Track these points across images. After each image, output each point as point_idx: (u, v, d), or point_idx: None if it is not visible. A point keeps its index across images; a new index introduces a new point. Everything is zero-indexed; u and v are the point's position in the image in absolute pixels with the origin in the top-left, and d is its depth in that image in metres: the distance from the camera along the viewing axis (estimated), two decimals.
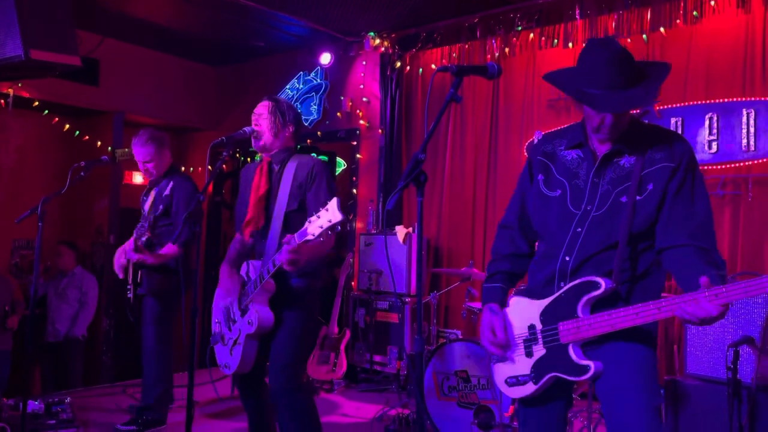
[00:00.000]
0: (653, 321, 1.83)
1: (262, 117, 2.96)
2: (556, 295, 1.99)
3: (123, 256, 3.99)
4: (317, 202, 2.77)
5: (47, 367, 5.87)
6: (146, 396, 3.96)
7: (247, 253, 3.09)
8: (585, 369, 1.92)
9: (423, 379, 3.19)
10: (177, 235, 3.75)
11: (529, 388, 2.03)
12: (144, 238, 3.89)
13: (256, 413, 3.10)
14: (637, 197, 1.91)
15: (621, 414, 1.94)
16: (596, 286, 1.90)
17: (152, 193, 4.03)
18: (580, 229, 1.96)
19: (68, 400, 4.10)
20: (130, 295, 3.94)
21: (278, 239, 2.85)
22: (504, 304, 2.13)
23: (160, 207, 3.93)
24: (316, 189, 2.88)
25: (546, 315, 2.00)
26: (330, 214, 2.45)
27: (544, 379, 1.99)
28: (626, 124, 1.96)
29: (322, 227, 2.47)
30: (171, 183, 3.98)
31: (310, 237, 2.51)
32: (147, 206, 4.01)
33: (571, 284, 1.95)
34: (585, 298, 1.91)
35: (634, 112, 4.55)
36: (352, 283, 5.76)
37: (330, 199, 2.52)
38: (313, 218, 2.51)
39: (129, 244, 3.99)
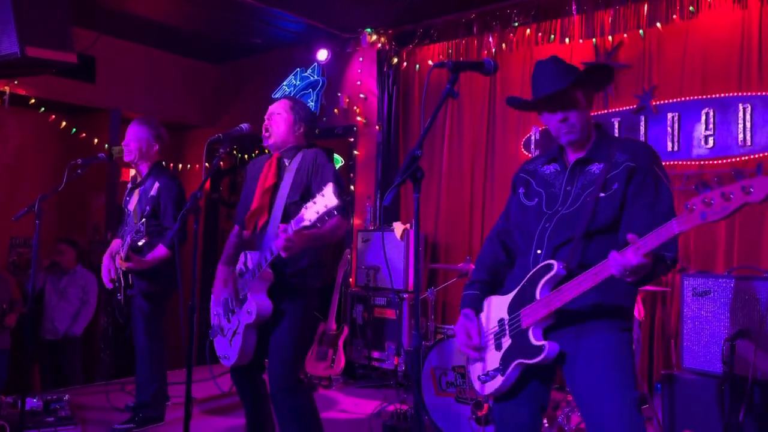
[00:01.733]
0: (612, 299, 1.96)
1: (276, 115, 2.97)
2: (520, 285, 2.06)
3: (111, 265, 3.90)
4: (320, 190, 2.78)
5: (46, 365, 5.88)
6: (141, 394, 3.97)
7: (245, 246, 3.10)
8: (540, 349, 1.96)
9: (421, 375, 3.19)
10: (171, 237, 3.67)
11: (498, 381, 2.07)
12: (141, 242, 3.81)
13: (253, 407, 3.10)
14: (601, 194, 2.00)
15: (597, 414, 1.93)
16: (550, 267, 1.98)
17: (136, 193, 3.97)
18: (548, 225, 2.07)
19: (67, 397, 4.10)
20: (120, 297, 3.93)
21: (277, 230, 2.85)
22: (479, 310, 2.21)
23: (147, 208, 3.86)
24: (320, 179, 2.86)
25: (512, 306, 2.08)
26: (326, 199, 2.44)
27: (510, 368, 2.03)
28: (585, 126, 2.10)
29: (318, 212, 2.46)
30: (157, 183, 3.90)
31: (306, 223, 2.49)
32: (131, 206, 3.95)
33: (531, 271, 2.03)
34: (542, 281, 1.98)
35: (628, 108, 4.56)
36: (350, 279, 5.77)
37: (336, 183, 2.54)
38: (310, 204, 2.50)
39: (115, 246, 3.93)
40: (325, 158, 2.95)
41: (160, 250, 3.78)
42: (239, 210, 3.15)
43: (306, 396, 2.92)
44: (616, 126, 4.65)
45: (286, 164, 3.00)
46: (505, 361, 2.05)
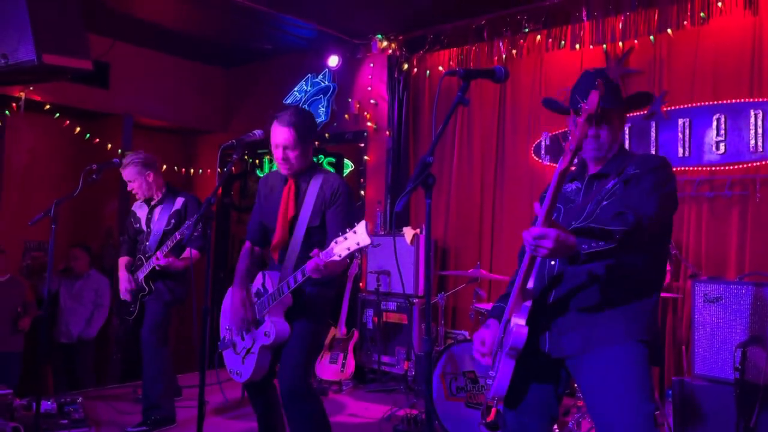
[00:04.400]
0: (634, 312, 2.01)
1: (289, 149, 2.87)
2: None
3: (130, 282, 4.08)
4: (336, 221, 2.81)
5: (59, 368, 5.93)
6: (149, 396, 4.01)
7: (258, 262, 3.12)
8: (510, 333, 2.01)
9: (431, 380, 3.20)
10: (201, 241, 3.84)
11: (493, 380, 2.09)
12: (180, 238, 3.88)
13: (265, 413, 3.13)
14: (604, 202, 2.04)
15: (610, 428, 1.93)
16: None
17: (157, 211, 4.12)
18: None
19: (80, 399, 4.14)
20: (133, 309, 4.08)
21: (298, 253, 2.87)
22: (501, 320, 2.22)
23: (172, 221, 4.03)
24: (336, 209, 2.89)
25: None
26: (358, 236, 2.49)
27: (499, 363, 2.05)
28: (613, 144, 2.14)
29: (349, 249, 2.51)
30: (181, 198, 4.11)
31: (336, 258, 2.55)
32: (153, 223, 4.09)
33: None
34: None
35: (639, 113, 4.56)
36: (360, 284, 5.79)
37: (348, 221, 2.59)
38: (340, 239, 2.54)
39: (124, 274, 4.11)
40: (345, 190, 2.94)
41: (194, 253, 3.91)
42: (251, 226, 3.16)
43: (316, 401, 2.93)
44: (627, 132, 4.64)
45: (304, 188, 2.97)
46: (496, 357, 2.09)
